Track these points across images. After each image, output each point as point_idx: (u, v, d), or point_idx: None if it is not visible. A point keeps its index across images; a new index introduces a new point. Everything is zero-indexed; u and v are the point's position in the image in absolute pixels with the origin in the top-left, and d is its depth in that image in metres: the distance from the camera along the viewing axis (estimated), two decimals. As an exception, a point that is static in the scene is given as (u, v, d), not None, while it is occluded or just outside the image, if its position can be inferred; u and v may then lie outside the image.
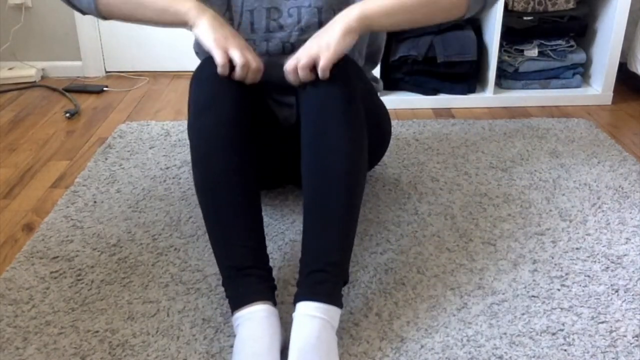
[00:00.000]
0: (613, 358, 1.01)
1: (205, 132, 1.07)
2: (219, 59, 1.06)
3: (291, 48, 1.27)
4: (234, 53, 1.06)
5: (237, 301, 1.01)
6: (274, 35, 1.26)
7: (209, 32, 1.08)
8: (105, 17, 1.18)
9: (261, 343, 0.95)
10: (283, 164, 1.44)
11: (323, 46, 1.05)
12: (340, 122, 1.06)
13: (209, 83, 1.10)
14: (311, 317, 0.97)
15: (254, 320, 0.98)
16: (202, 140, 1.08)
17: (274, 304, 1.03)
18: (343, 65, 1.08)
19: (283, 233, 1.36)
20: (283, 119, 1.37)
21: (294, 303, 1.00)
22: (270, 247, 1.31)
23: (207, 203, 1.07)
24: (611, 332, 1.06)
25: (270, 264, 1.25)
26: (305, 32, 1.26)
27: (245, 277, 1.03)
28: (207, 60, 1.12)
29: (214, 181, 1.06)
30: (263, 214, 1.43)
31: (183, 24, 1.12)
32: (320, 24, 1.25)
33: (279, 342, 0.98)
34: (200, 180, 1.08)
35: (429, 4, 1.11)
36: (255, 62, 1.08)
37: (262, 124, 1.31)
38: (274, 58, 1.27)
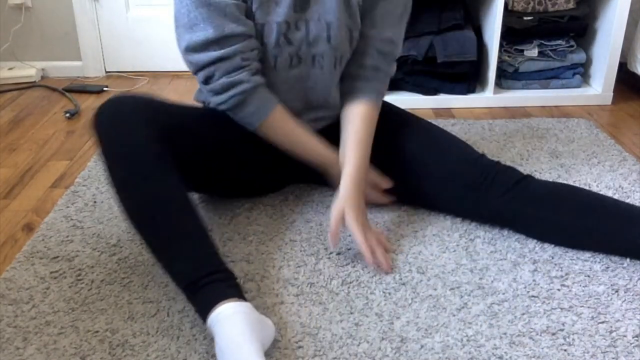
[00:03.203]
0: (613, 358, 1.01)
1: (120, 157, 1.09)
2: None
3: (298, 61, 1.28)
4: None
5: (204, 312, 1.01)
6: (283, 49, 1.26)
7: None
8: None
9: (237, 338, 0.94)
10: (283, 166, 1.45)
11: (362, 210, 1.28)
12: None
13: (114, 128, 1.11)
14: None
15: (223, 320, 0.97)
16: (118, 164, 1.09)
17: (242, 299, 1.02)
18: None
19: (283, 233, 1.36)
20: None
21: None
22: (270, 247, 1.31)
23: (139, 226, 1.08)
24: (611, 332, 1.06)
25: (271, 263, 1.26)
26: (312, 46, 1.27)
27: (202, 288, 1.02)
28: (107, 106, 1.13)
29: (140, 206, 1.07)
30: (263, 213, 1.43)
31: (323, 164, 1.35)
32: (329, 39, 1.27)
33: (258, 332, 0.97)
34: (127, 205, 1.08)
35: (374, 127, 1.36)
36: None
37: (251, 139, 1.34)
38: (282, 72, 1.29)
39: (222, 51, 1.19)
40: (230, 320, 0.97)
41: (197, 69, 1.23)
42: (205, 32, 1.18)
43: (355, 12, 1.29)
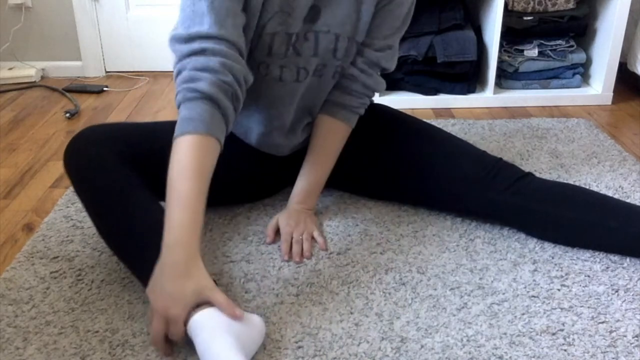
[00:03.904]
0: (613, 358, 1.01)
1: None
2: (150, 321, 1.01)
3: (305, 75, 1.26)
4: (153, 319, 0.98)
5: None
6: (290, 60, 1.23)
7: (156, 275, 0.98)
8: None
9: (212, 345, 0.92)
10: (278, 179, 1.46)
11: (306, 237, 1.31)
12: None
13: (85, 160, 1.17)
14: None
15: (199, 329, 0.95)
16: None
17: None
18: None
19: (283, 233, 1.36)
20: (276, 151, 1.38)
21: None
22: (270, 247, 1.31)
23: (117, 248, 1.14)
24: (611, 332, 1.06)
25: (271, 263, 1.26)
26: (319, 58, 1.25)
27: None
28: (72, 144, 1.19)
29: (113, 228, 1.13)
30: (263, 214, 1.43)
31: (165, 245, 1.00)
32: (335, 52, 1.25)
33: (241, 334, 0.96)
34: (104, 232, 1.15)
35: (337, 155, 1.37)
36: (173, 330, 0.97)
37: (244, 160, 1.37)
38: (287, 85, 1.26)
39: (205, 46, 1.06)
40: (206, 328, 0.95)
41: (179, 61, 1.09)
42: (200, 25, 1.07)
43: (365, 26, 1.27)
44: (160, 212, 1.06)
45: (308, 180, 1.36)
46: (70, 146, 1.19)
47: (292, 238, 1.30)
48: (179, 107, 1.07)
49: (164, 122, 1.36)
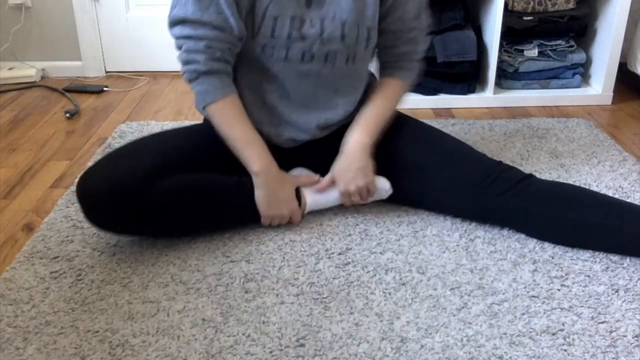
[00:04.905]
0: (613, 358, 1.01)
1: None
2: (265, 223, 1.38)
3: (310, 58, 1.29)
4: (279, 221, 1.38)
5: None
6: (295, 44, 1.27)
7: (261, 195, 1.32)
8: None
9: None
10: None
11: (361, 176, 1.35)
12: None
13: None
14: None
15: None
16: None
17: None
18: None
19: (283, 233, 1.36)
20: (284, 140, 1.39)
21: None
22: (270, 247, 1.31)
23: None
24: (611, 332, 1.07)
25: (271, 263, 1.26)
26: (327, 44, 1.28)
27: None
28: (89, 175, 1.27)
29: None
30: (263, 213, 1.44)
31: (252, 171, 1.31)
32: (343, 38, 1.28)
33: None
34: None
35: (394, 102, 1.43)
36: (295, 218, 1.39)
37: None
38: (293, 64, 1.29)
39: (192, 31, 1.23)
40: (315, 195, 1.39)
41: (175, 40, 1.28)
42: (185, 10, 1.22)
43: (372, 10, 1.29)
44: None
45: (362, 130, 1.37)
46: (89, 182, 1.25)
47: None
48: (188, 82, 1.28)
49: (168, 132, 1.43)
